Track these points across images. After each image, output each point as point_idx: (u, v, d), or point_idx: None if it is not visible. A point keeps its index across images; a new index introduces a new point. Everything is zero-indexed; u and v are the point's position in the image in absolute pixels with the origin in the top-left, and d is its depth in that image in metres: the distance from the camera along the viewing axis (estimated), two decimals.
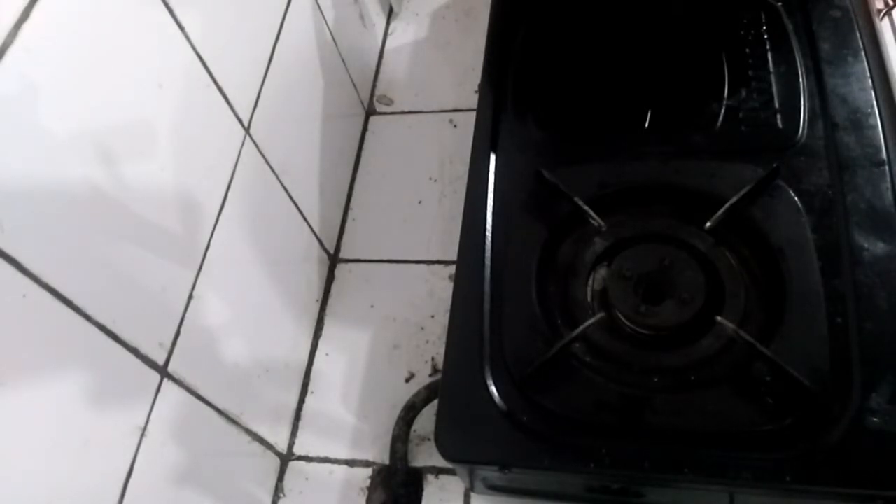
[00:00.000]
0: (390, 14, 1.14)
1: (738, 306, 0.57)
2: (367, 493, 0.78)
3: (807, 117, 0.64)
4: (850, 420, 0.50)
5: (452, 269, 0.87)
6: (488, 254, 0.63)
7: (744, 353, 0.55)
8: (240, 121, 0.66)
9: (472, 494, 0.76)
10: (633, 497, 0.59)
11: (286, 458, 0.81)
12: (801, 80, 0.66)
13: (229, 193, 0.65)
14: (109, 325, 0.49)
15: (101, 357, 0.49)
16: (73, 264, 0.46)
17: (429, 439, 0.79)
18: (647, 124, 0.68)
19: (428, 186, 0.97)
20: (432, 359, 0.84)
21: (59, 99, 0.44)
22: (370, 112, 1.06)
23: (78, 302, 0.46)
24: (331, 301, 0.91)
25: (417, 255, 0.92)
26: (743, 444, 0.52)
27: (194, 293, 0.60)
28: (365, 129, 1.04)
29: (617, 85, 0.73)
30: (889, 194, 0.58)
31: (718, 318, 0.56)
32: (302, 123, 0.83)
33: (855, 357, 0.53)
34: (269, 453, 0.78)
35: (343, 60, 0.93)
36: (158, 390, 0.56)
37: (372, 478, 0.78)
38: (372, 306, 0.90)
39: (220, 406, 0.66)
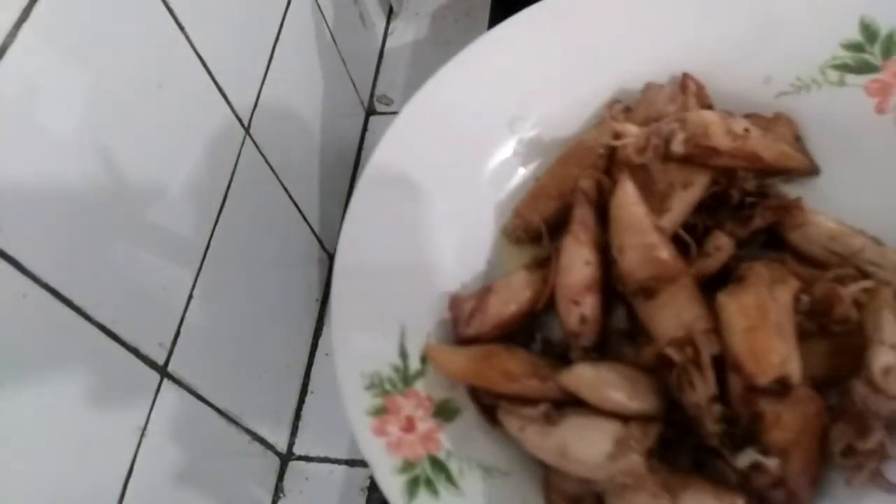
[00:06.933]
0: (390, 14, 1.14)
1: None
2: (367, 493, 0.78)
3: None
4: None
5: None
6: None
7: None
8: (240, 121, 0.66)
9: None
10: None
11: (286, 458, 0.81)
12: None
13: (229, 193, 0.65)
14: (109, 325, 0.49)
15: (101, 357, 0.49)
16: (73, 264, 0.46)
17: None
18: None
19: None
20: None
21: (59, 99, 0.44)
22: (370, 112, 1.05)
23: (78, 302, 0.46)
24: None
25: None
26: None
27: (194, 293, 0.60)
28: (365, 129, 1.04)
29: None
30: None
31: None
32: (302, 123, 0.83)
33: None
34: (269, 453, 0.78)
35: (343, 60, 0.93)
36: (158, 390, 0.56)
37: (372, 478, 0.78)
38: None
39: (220, 406, 0.66)
